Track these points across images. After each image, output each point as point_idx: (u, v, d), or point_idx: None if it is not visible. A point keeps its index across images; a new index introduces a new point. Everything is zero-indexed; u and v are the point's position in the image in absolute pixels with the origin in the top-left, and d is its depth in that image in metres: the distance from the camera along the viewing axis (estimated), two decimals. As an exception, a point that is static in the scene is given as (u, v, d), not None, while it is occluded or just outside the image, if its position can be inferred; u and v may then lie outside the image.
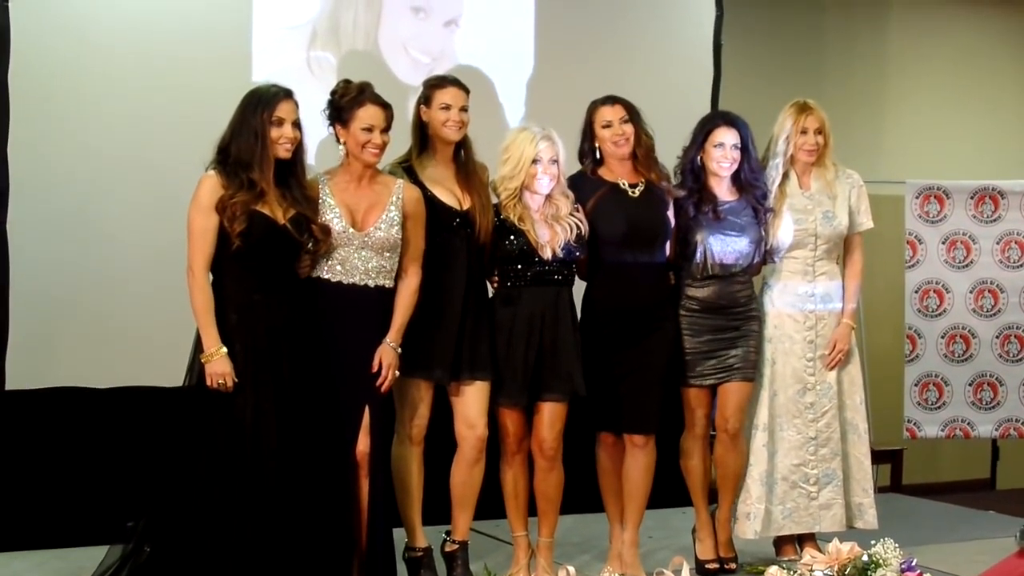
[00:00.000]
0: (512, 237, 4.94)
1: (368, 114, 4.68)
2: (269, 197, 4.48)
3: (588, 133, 5.24)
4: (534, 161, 4.92)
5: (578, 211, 5.05)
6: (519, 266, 4.96)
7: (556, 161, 4.95)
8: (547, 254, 4.94)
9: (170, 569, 4.37)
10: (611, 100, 5.24)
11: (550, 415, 5.02)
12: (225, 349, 4.36)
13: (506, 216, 4.96)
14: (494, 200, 5.01)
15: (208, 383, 4.35)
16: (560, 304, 4.99)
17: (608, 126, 5.20)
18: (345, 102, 4.70)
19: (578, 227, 5.01)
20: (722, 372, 5.36)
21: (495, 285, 5.09)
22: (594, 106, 5.26)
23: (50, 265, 5.62)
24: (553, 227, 4.97)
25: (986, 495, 8.13)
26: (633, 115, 5.21)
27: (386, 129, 4.72)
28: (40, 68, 5.59)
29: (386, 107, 4.72)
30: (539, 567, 5.10)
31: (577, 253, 5.00)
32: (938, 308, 7.42)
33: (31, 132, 5.59)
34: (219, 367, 4.35)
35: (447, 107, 4.95)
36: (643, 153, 5.23)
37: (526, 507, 5.11)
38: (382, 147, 4.74)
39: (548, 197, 4.98)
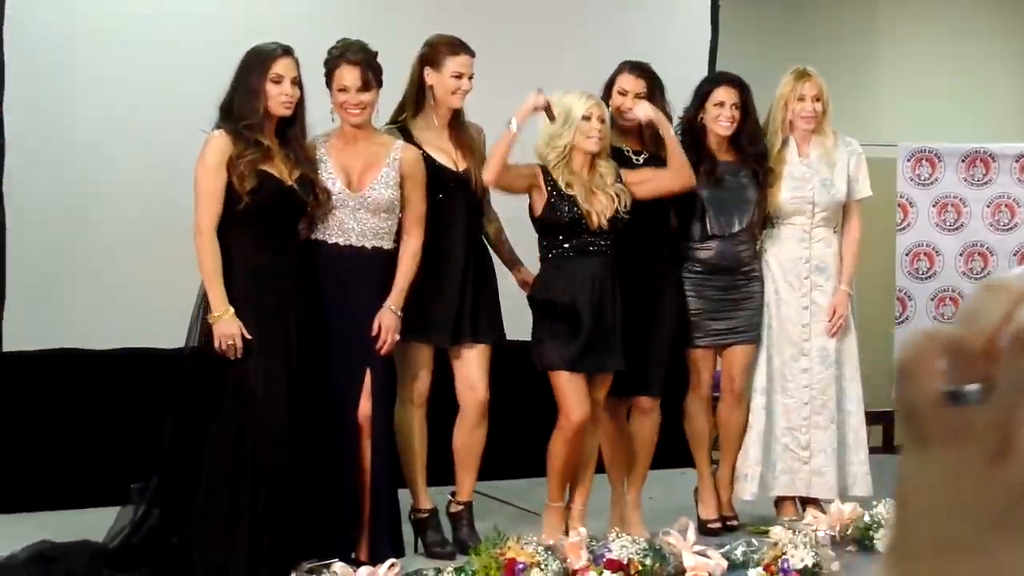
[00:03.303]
0: (564, 205, 4.84)
1: (342, 74, 4.64)
2: (275, 157, 4.45)
3: (607, 92, 5.20)
4: (585, 118, 4.83)
5: (621, 179, 4.98)
6: (567, 234, 4.86)
7: (604, 121, 4.88)
8: (595, 223, 4.86)
9: (180, 529, 4.37)
10: (637, 70, 5.21)
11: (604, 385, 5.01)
12: (233, 310, 4.33)
13: (556, 180, 4.87)
14: (539, 163, 4.91)
15: (216, 345, 4.33)
16: (608, 275, 4.91)
17: (623, 94, 5.18)
18: (328, 63, 4.67)
19: (624, 197, 4.93)
20: (728, 334, 5.39)
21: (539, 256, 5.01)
22: (619, 69, 5.24)
23: (48, 227, 5.56)
24: (599, 196, 4.90)
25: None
26: (652, 90, 5.19)
27: (363, 88, 4.63)
28: (35, 27, 5.52)
29: (362, 66, 4.63)
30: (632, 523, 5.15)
31: (622, 222, 4.92)
32: (928, 271, 7.44)
33: (28, 93, 5.52)
34: (228, 328, 4.33)
35: (459, 75, 4.90)
36: (655, 130, 5.18)
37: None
38: (360, 106, 4.65)
39: (593, 166, 4.89)
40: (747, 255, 5.41)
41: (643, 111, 5.07)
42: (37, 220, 5.54)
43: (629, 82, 5.20)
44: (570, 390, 4.83)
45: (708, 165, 5.35)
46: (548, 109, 4.83)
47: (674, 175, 5.05)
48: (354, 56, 4.64)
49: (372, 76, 4.66)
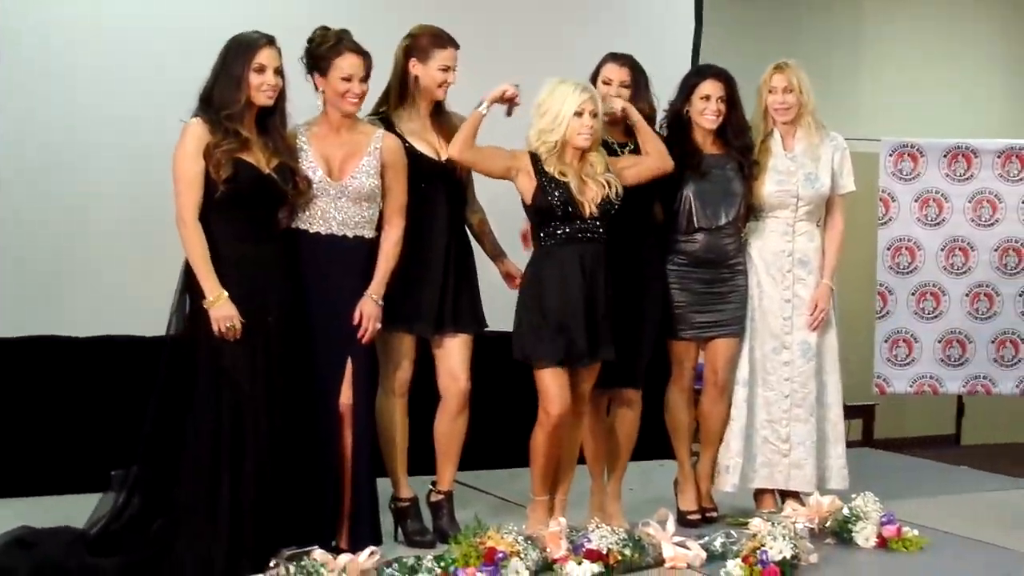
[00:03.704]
0: (555, 190, 4.82)
1: (347, 63, 4.63)
2: (253, 146, 4.45)
3: (591, 84, 5.17)
4: (577, 114, 4.81)
5: (610, 169, 4.96)
6: (559, 222, 4.83)
7: (596, 115, 4.84)
8: (587, 211, 4.83)
9: (160, 517, 4.37)
10: (620, 59, 5.23)
11: (591, 375, 5.00)
12: (226, 293, 4.33)
13: (548, 170, 4.85)
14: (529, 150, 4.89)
15: (215, 328, 4.32)
16: (599, 263, 4.88)
17: (608, 83, 5.18)
18: (323, 51, 4.65)
19: (614, 184, 4.90)
20: (712, 327, 5.40)
21: (526, 244, 5.02)
22: (603, 60, 5.26)
23: (27, 214, 5.55)
24: (589, 184, 4.87)
25: (951, 450, 8.25)
26: (636, 82, 5.20)
27: (365, 78, 4.67)
28: (13, 17, 5.52)
29: (365, 55, 4.66)
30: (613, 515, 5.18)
31: (613, 210, 4.90)
32: (909, 265, 7.47)
33: (5, 81, 5.51)
34: (225, 311, 4.33)
35: (446, 68, 4.91)
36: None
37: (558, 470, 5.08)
38: (361, 96, 4.69)
39: (584, 154, 4.87)
40: (732, 248, 5.42)
41: (615, 103, 5.07)
42: (16, 208, 5.54)
43: (613, 71, 5.21)
44: (552, 383, 4.82)
45: (694, 158, 5.35)
46: (511, 105, 4.88)
47: (655, 158, 5.06)
48: (355, 45, 4.65)
49: (370, 66, 4.69)
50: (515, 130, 4.96)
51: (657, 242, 5.35)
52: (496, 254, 5.25)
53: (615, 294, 4.96)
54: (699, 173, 5.33)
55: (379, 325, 4.71)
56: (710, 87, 5.34)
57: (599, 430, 5.28)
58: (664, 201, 5.32)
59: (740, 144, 5.40)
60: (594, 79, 5.20)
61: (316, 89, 4.70)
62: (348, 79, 4.63)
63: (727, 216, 5.36)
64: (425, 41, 4.94)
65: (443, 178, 4.95)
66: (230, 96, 4.41)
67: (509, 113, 4.92)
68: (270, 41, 4.48)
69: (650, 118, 5.25)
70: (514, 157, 4.88)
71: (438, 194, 4.96)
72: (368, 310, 4.67)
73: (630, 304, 5.11)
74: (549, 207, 4.82)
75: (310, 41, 4.70)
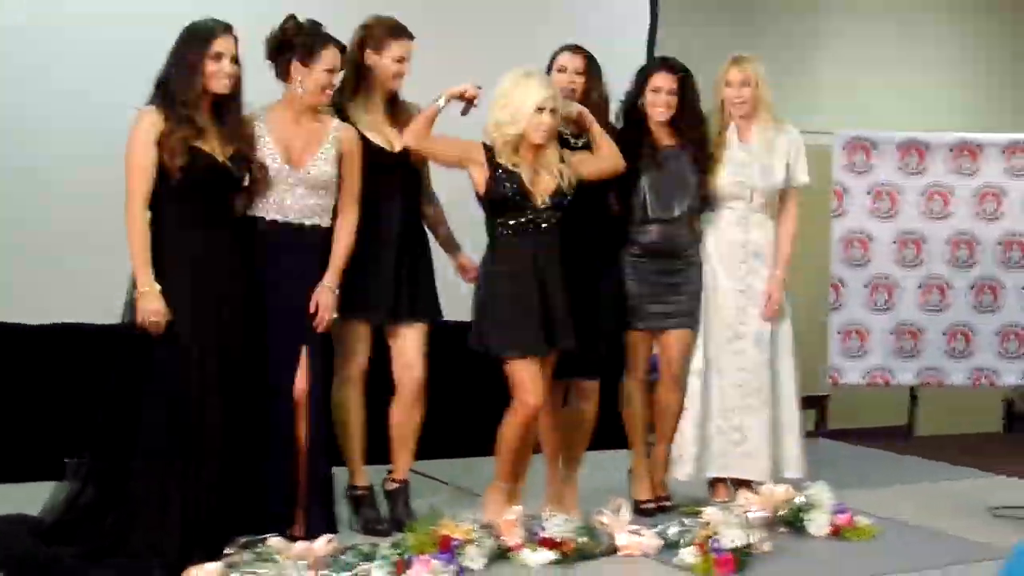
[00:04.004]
0: (507, 181, 4.83)
1: (331, 56, 4.66)
2: (208, 134, 4.43)
3: (547, 73, 5.20)
4: (538, 110, 4.81)
5: (564, 160, 4.97)
6: (512, 212, 4.84)
7: (556, 111, 4.85)
8: (539, 201, 4.85)
9: (115, 508, 4.36)
10: (574, 48, 5.26)
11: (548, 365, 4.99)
12: (159, 287, 4.31)
13: (500, 162, 4.86)
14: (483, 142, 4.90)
15: (139, 320, 4.30)
16: (552, 253, 4.90)
17: (563, 71, 5.20)
18: (304, 42, 4.64)
19: (567, 175, 4.92)
20: (665, 318, 5.43)
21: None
22: (558, 51, 5.28)
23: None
24: (542, 175, 4.89)
25: (905, 442, 8.32)
26: (589, 70, 5.23)
27: (340, 69, 4.71)
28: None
29: (343, 49, 4.71)
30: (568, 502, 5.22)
31: (566, 201, 4.91)
32: (862, 258, 7.51)
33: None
34: (151, 304, 4.31)
35: (400, 60, 4.92)
36: (591, 108, 5.19)
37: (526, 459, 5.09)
38: (334, 88, 4.73)
39: (538, 147, 4.89)
40: (687, 240, 5.44)
41: (572, 106, 5.09)
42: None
43: (567, 59, 5.23)
44: (526, 375, 4.82)
45: (649, 149, 5.38)
46: (468, 104, 4.91)
47: (607, 159, 5.08)
48: (332, 38, 4.66)
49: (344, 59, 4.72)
50: (474, 124, 4.97)
51: (612, 233, 5.37)
52: (450, 247, 5.26)
53: (570, 285, 4.97)
54: (655, 164, 5.36)
55: (335, 315, 4.72)
56: (660, 80, 5.37)
57: (557, 420, 5.29)
58: (620, 192, 5.34)
59: (694, 136, 5.42)
60: (549, 68, 5.22)
61: (282, 76, 4.69)
62: (331, 71, 4.65)
63: (680, 207, 5.38)
64: (379, 31, 4.94)
65: (397, 169, 4.95)
66: (186, 84, 4.39)
67: (465, 112, 4.94)
68: (227, 28, 4.47)
69: (603, 108, 5.27)
70: (468, 148, 4.89)
71: (392, 184, 4.96)
72: (324, 300, 4.68)
73: (586, 295, 5.11)
74: (502, 197, 4.83)
75: (284, 30, 4.68)
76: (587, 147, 5.17)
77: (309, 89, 4.66)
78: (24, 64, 5.58)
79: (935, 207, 7.52)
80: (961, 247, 7.51)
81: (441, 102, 4.86)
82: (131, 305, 4.42)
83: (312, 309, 4.66)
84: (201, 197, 4.43)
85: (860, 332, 7.52)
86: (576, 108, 5.10)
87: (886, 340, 7.51)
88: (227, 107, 4.51)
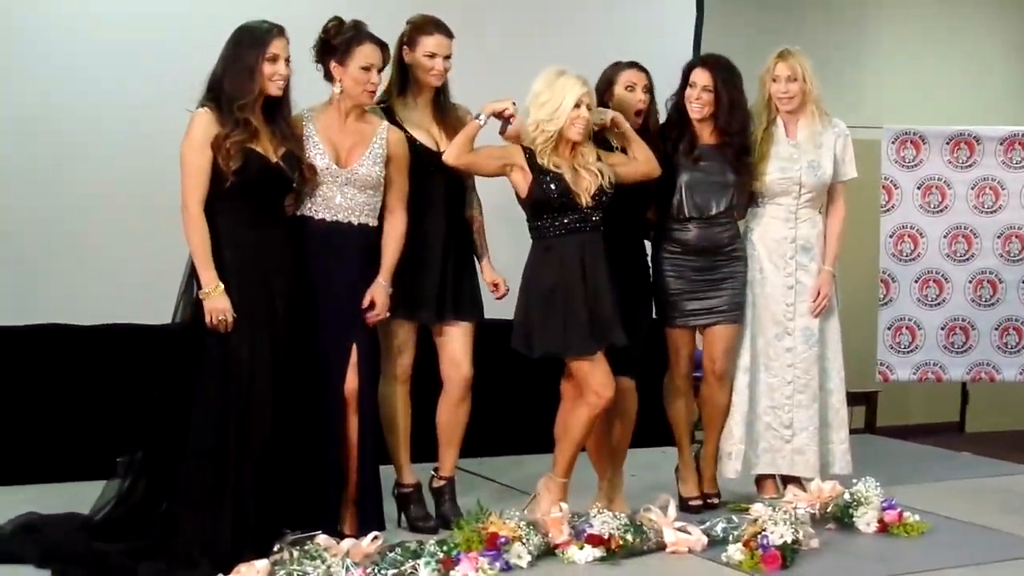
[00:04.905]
0: (551, 183, 4.83)
1: (366, 53, 4.65)
2: (261, 135, 4.46)
3: (607, 89, 5.23)
4: (576, 106, 4.81)
5: (601, 159, 4.97)
6: (556, 214, 4.85)
7: (591, 107, 4.85)
8: (583, 201, 4.85)
9: (166, 505, 4.41)
10: (637, 66, 5.30)
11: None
12: (223, 286, 4.36)
13: (542, 162, 4.86)
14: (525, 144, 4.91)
15: (207, 320, 4.35)
16: (597, 251, 4.90)
17: (631, 88, 5.24)
18: (342, 40, 4.66)
19: (606, 174, 4.91)
20: (708, 314, 5.41)
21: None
22: (618, 67, 5.30)
23: (32, 202, 5.57)
24: (583, 174, 4.88)
25: (955, 437, 8.26)
26: (652, 86, 5.31)
27: (382, 68, 4.71)
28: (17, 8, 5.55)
29: (383, 46, 4.70)
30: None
31: (606, 199, 4.91)
32: (912, 252, 7.49)
33: (6, 64, 5.53)
34: (218, 303, 4.35)
35: (432, 55, 4.93)
36: (653, 123, 5.32)
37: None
38: (377, 86, 4.73)
39: (575, 146, 4.88)
40: (727, 236, 5.42)
41: (606, 113, 5.08)
42: (21, 195, 5.55)
43: (635, 76, 5.26)
44: (595, 370, 4.84)
45: (688, 146, 5.38)
46: (507, 122, 4.94)
47: (643, 163, 5.08)
48: (373, 35, 4.67)
49: (388, 57, 4.73)
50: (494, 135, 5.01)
51: (651, 230, 5.41)
52: (483, 256, 5.23)
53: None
54: (691, 161, 5.35)
55: (388, 312, 4.74)
56: (697, 75, 5.37)
57: (599, 417, 5.28)
58: (659, 190, 5.33)
59: (734, 133, 5.40)
60: (607, 86, 5.24)
61: (327, 78, 4.71)
62: (367, 68, 4.65)
63: (718, 206, 5.36)
64: (412, 28, 4.97)
65: (442, 169, 4.95)
66: (243, 86, 4.40)
67: (502, 130, 4.97)
68: (280, 31, 4.48)
69: (657, 120, 5.35)
70: (509, 153, 4.91)
71: (437, 184, 4.97)
72: (380, 297, 4.71)
73: (623, 292, 5.07)
74: (546, 199, 4.84)
75: (326, 30, 4.69)
76: (624, 151, 5.17)
77: (347, 87, 4.68)
78: (68, 62, 5.61)
79: (986, 201, 7.50)
80: (1012, 241, 7.49)
81: (482, 120, 4.89)
82: (188, 304, 4.47)
83: (367, 304, 4.68)
84: (254, 198, 4.46)
85: (910, 328, 7.50)
86: (610, 114, 5.10)
87: (937, 335, 7.48)
88: (277, 107, 4.53)
